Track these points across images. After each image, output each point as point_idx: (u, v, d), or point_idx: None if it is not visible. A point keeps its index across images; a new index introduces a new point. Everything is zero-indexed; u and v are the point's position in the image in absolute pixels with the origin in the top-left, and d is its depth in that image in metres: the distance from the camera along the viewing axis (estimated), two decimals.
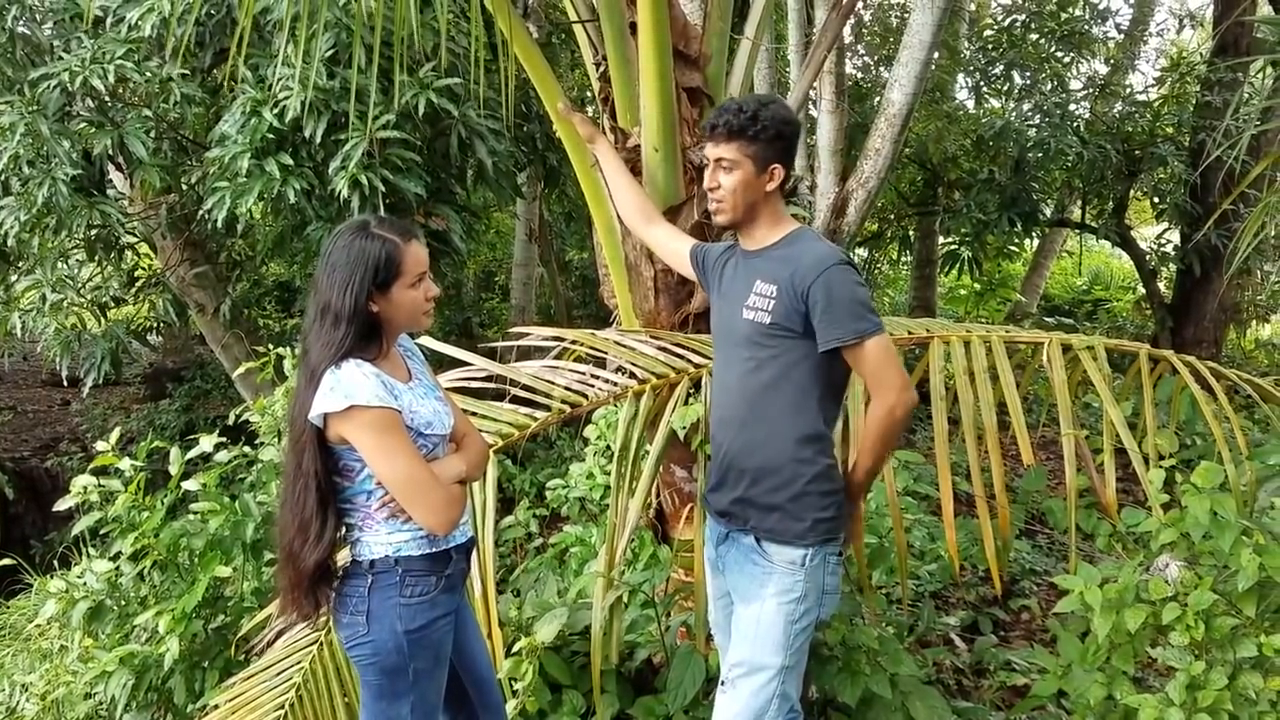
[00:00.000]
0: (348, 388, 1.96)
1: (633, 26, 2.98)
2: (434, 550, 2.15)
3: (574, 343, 3.17)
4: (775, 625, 2.28)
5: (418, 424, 2.09)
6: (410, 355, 2.29)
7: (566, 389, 3.05)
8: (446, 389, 2.49)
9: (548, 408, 3.02)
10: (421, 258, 2.11)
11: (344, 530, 2.15)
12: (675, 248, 2.74)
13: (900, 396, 2.21)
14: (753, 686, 2.31)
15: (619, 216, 3.07)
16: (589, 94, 7.99)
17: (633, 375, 3.03)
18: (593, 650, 2.75)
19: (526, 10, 6.46)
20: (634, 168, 3.06)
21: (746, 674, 2.32)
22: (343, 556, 2.21)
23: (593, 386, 3.06)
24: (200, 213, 5.10)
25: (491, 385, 3.08)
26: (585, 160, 3.20)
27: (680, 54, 3.10)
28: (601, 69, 3.20)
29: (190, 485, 3.56)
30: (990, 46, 8.78)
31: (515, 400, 3.05)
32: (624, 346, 3.10)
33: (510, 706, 2.73)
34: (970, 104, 9.50)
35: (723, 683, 2.40)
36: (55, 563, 5.80)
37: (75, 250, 5.94)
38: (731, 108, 2.28)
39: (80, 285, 5.82)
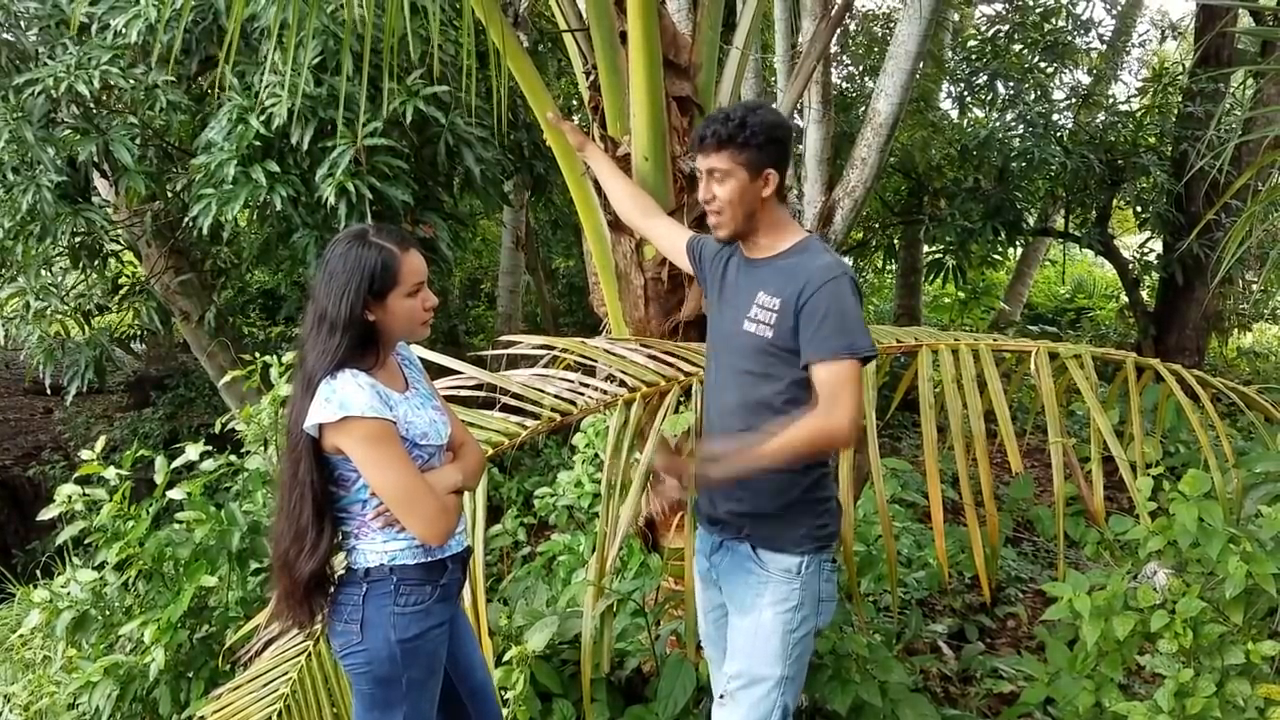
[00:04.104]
0: (342, 398, 1.96)
1: (623, 35, 2.98)
2: (429, 559, 2.13)
3: (564, 351, 3.16)
4: (773, 635, 2.26)
5: (413, 434, 2.08)
6: (408, 364, 2.27)
7: (556, 397, 3.04)
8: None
9: (537, 416, 3.01)
10: (419, 267, 2.10)
11: (339, 538, 2.14)
12: (673, 241, 2.71)
13: (848, 427, 2.07)
14: (752, 699, 2.27)
15: (612, 221, 3.07)
16: (575, 102, 8.01)
17: (623, 383, 3.03)
18: (583, 659, 2.74)
19: (517, 19, 6.47)
20: None
21: (745, 685, 2.28)
22: (335, 564, 2.20)
23: (583, 395, 3.06)
24: (185, 220, 5.07)
25: (480, 394, 3.08)
26: (575, 168, 3.20)
27: (670, 63, 3.11)
28: (591, 78, 3.20)
29: (175, 494, 3.54)
30: (974, 57, 8.83)
31: (505, 408, 3.04)
32: (614, 355, 3.10)
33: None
34: (955, 114, 9.56)
35: (720, 696, 2.35)
36: (38, 572, 5.76)
37: (59, 257, 5.91)
38: (719, 117, 2.23)
39: (64, 293, 5.77)
